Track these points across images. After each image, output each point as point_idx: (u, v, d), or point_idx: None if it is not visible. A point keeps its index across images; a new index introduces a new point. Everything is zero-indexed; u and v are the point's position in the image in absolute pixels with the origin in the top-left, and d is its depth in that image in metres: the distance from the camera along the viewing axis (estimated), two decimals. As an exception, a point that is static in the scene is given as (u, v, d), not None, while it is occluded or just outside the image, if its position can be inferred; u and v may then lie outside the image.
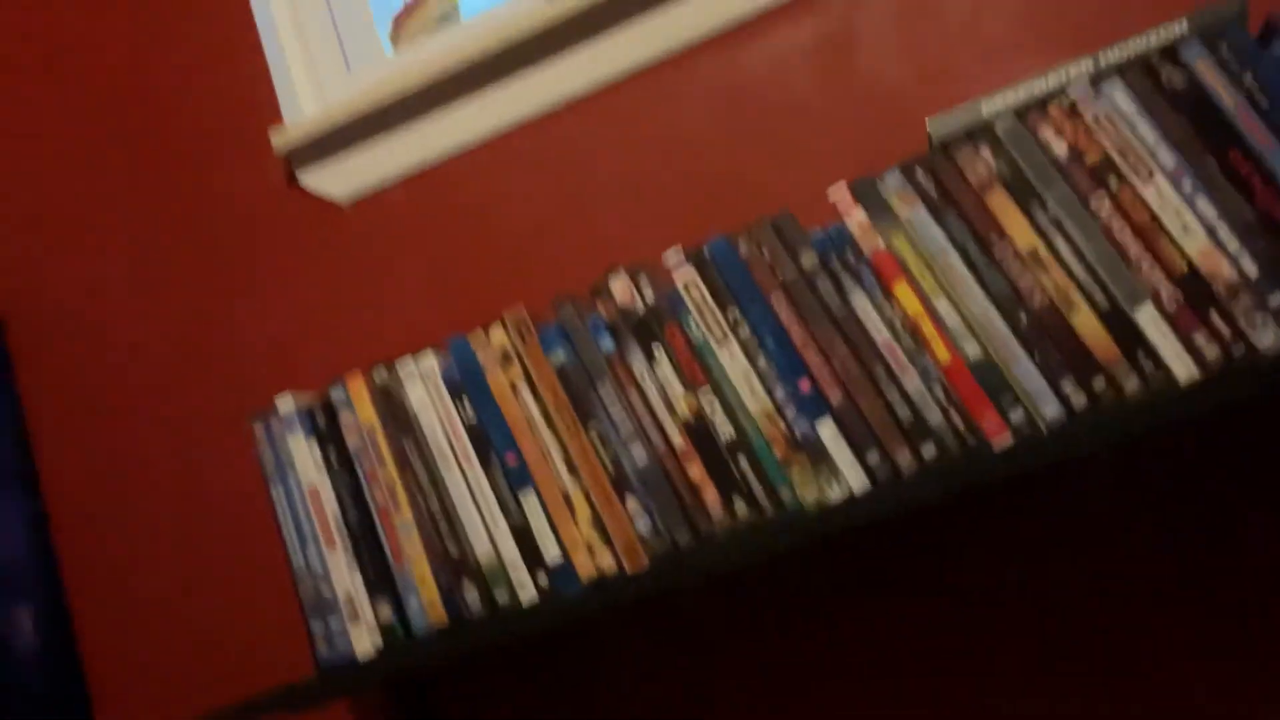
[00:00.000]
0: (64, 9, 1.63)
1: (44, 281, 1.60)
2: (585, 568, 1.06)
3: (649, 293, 1.08)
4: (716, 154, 1.31)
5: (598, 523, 1.06)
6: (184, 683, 1.42)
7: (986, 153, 1.00)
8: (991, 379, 0.96)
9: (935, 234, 0.99)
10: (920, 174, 1.01)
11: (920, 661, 1.19)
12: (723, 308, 1.05)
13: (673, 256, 1.07)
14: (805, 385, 1.01)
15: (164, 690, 1.43)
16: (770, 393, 1.02)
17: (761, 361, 1.02)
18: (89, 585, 1.49)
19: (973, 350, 0.97)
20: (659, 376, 1.06)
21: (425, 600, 1.10)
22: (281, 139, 1.45)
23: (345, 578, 1.14)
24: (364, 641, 1.12)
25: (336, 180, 1.47)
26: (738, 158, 1.30)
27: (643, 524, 1.04)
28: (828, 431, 1.00)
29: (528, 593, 1.08)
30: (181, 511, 1.46)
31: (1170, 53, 0.98)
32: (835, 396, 1.00)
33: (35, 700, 1.44)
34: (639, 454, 1.05)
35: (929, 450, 0.97)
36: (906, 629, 1.20)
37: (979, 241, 0.98)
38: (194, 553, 1.45)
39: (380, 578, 1.12)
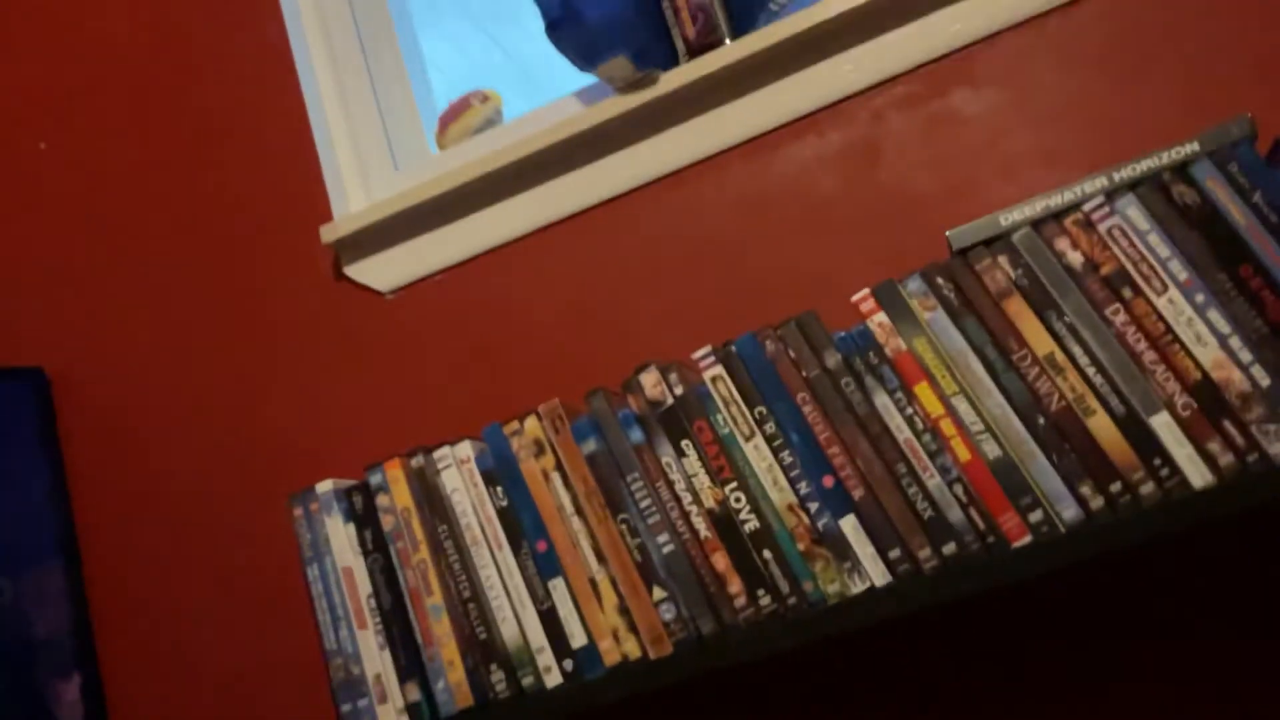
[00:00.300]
0: (139, 106, 1.73)
1: (97, 359, 1.66)
2: (610, 654, 1.08)
3: (678, 388, 1.12)
4: (744, 256, 1.36)
5: (624, 610, 1.09)
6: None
7: (1005, 261, 1.04)
8: (1011, 479, 0.99)
9: (955, 337, 1.03)
10: (941, 280, 1.05)
11: (940, 761, 1.20)
12: (749, 404, 1.08)
13: (702, 353, 1.11)
14: (829, 481, 1.04)
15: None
16: (794, 487, 1.05)
17: (786, 456, 1.06)
18: (124, 659, 1.52)
19: (992, 450, 1.00)
20: (686, 469, 1.09)
21: (452, 682, 1.13)
22: (330, 233, 1.52)
23: (375, 658, 1.16)
24: (391, 722, 1.14)
25: (380, 273, 1.54)
26: (764, 260, 1.35)
27: (668, 612, 1.07)
28: (850, 526, 1.02)
29: (553, 677, 1.10)
30: (217, 589, 1.50)
31: (1182, 171, 1.02)
32: (858, 493, 1.03)
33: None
34: (666, 544, 1.08)
35: (949, 547, 0.99)
36: (927, 727, 1.21)
37: (997, 346, 1.02)
38: (228, 629, 1.48)
39: (410, 659, 1.15)
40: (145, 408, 1.61)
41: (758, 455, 1.07)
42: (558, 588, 1.12)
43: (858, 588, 1.01)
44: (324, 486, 1.22)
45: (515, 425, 1.17)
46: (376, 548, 1.19)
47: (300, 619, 1.43)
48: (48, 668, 1.50)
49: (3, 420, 1.61)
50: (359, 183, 1.62)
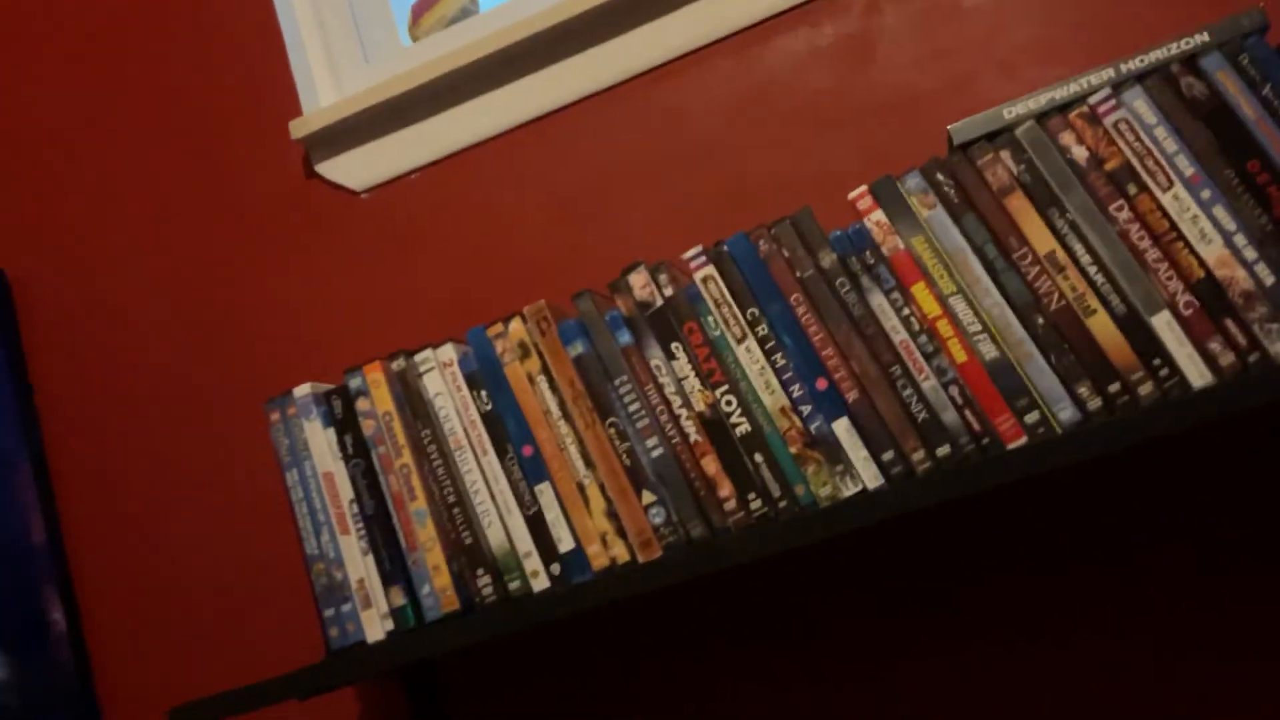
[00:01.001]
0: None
1: (60, 260, 1.60)
2: (598, 558, 1.07)
3: (668, 289, 1.08)
4: (735, 153, 1.32)
5: (612, 514, 1.07)
6: (193, 667, 1.43)
7: (1007, 157, 1.01)
8: (1007, 380, 0.97)
9: (954, 235, 1.00)
10: (941, 176, 1.02)
11: (924, 664, 1.20)
12: (741, 305, 1.06)
13: (692, 253, 1.08)
14: (822, 383, 1.02)
15: (172, 674, 1.44)
16: (787, 390, 1.03)
17: (779, 359, 1.03)
18: (97, 564, 1.50)
19: (989, 351, 0.98)
20: (676, 371, 1.07)
21: (438, 587, 1.11)
22: (300, 128, 1.46)
23: (358, 563, 1.14)
24: (375, 627, 1.13)
25: (353, 170, 1.48)
26: (756, 157, 1.31)
27: (657, 516, 1.05)
28: (843, 429, 1.01)
29: (540, 581, 1.09)
30: (193, 495, 1.47)
31: (1191, 63, 0.99)
32: (852, 395, 1.01)
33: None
34: (655, 447, 1.06)
35: (944, 449, 0.98)
36: (914, 631, 1.21)
37: (997, 244, 0.99)
38: (205, 537, 1.45)
39: (394, 564, 1.13)
40: (111, 310, 1.56)
41: (749, 357, 1.04)
42: (544, 492, 1.10)
43: (850, 490, 1.00)
44: (302, 390, 1.19)
45: (499, 328, 1.14)
46: (357, 452, 1.16)
47: (281, 523, 1.40)
48: (21, 572, 1.47)
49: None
50: (329, 77, 1.55)
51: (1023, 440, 0.96)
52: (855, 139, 1.28)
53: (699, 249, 1.08)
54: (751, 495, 1.02)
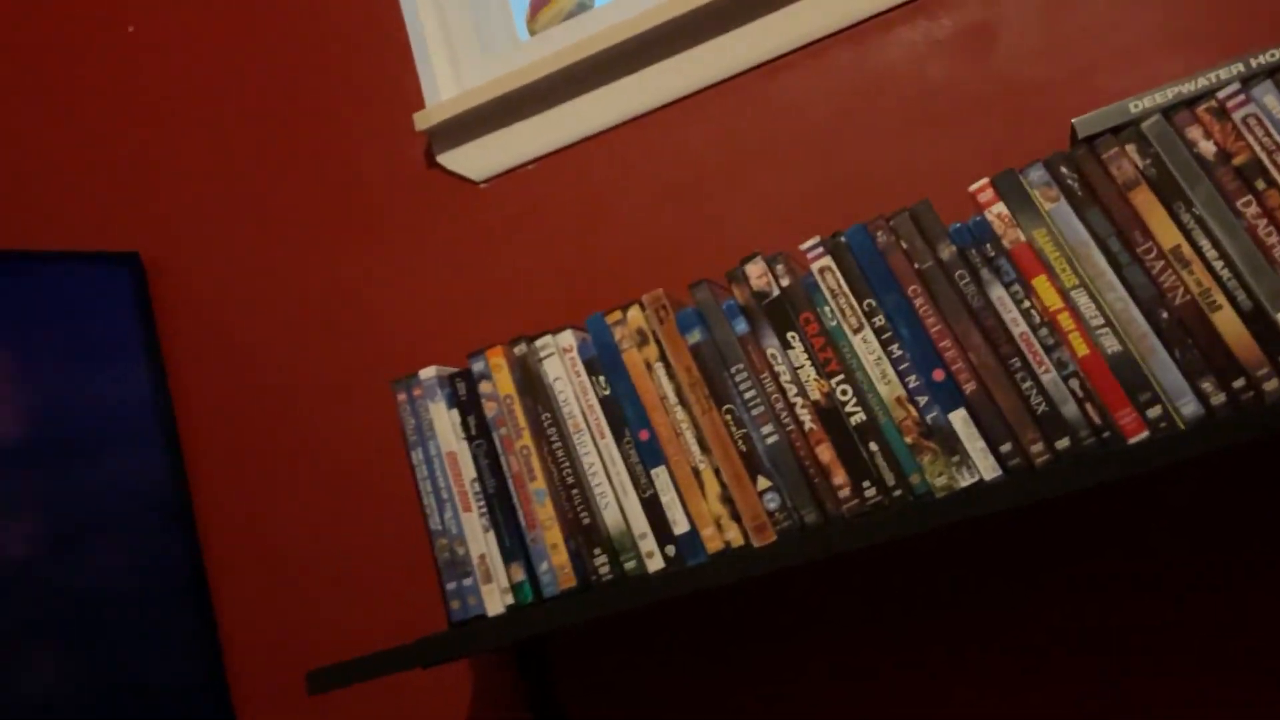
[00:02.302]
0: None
1: (192, 245, 1.68)
2: (713, 541, 1.10)
3: (784, 279, 1.10)
4: (852, 145, 1.33)
5: (726, 499, 1.10)
6: (319, 636, 1.49)
7: (1132, 151, 1.00)
8: (1130, 374, 0.97)
9: (1077, 229, 1.00)
10: (1065, 169, 1.02)
11: (1038, 655, 1.20)
12: (858, 296, 1.07)
13: (809, 244, 1.09)
14: (939, 375, 1.03)
15: (300, 642, 1.50)
16: (903, 380, 1.04)
17: (895, 349, 1.05)
18: (228, 541, 1.58)
19: (1111, 345, 0.98)
20: (792, 360, 1.09)
21: (556, 564, 1.15)
22: (423, 120, 1.51)
23: (480, 539, 1.19)
24: (495, 601, 1.17)
25: (473, 161, 1.53)
26: (873, 150, 1.32)
27: (772, 501, 1.07)
28: (960, 420, 1.02)
29: (655, 562, 1.12)
30: (322, 472, 1.53)
31: (1326, 56, 0.97)
32: (969, 387, 1.01)
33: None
34: (770, 434, 1.08)
35: (1063, 442, 0.98)
36: (1027, 623, 1.21)
37: (1122, 238, 0.99)
38: (333, 511, 1.52)
39: (513, 541, 1.17)
40: (241, 294, 1.64)
41: (866, 348, 1.06)
42: (660, 475, 1.13)
43: (966, 481, 1.01)
44: (427, 373, 1.24)
45: (618, 315, 1.17)
46: (480, 433, 1.21)
47: (406, 500, 1.46)
48: (156, 546, 1.56)
49: (101, 303, 1.65)
50: (450, 70, 1.60)
51: (1144, 434, 0.96)
52: (972, 131, 1.28)
53: (816, 240, 1.09)
54: (866, 483, 1.04)
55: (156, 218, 1.71)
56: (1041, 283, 1.00)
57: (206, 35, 1.72)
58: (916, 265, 1.05)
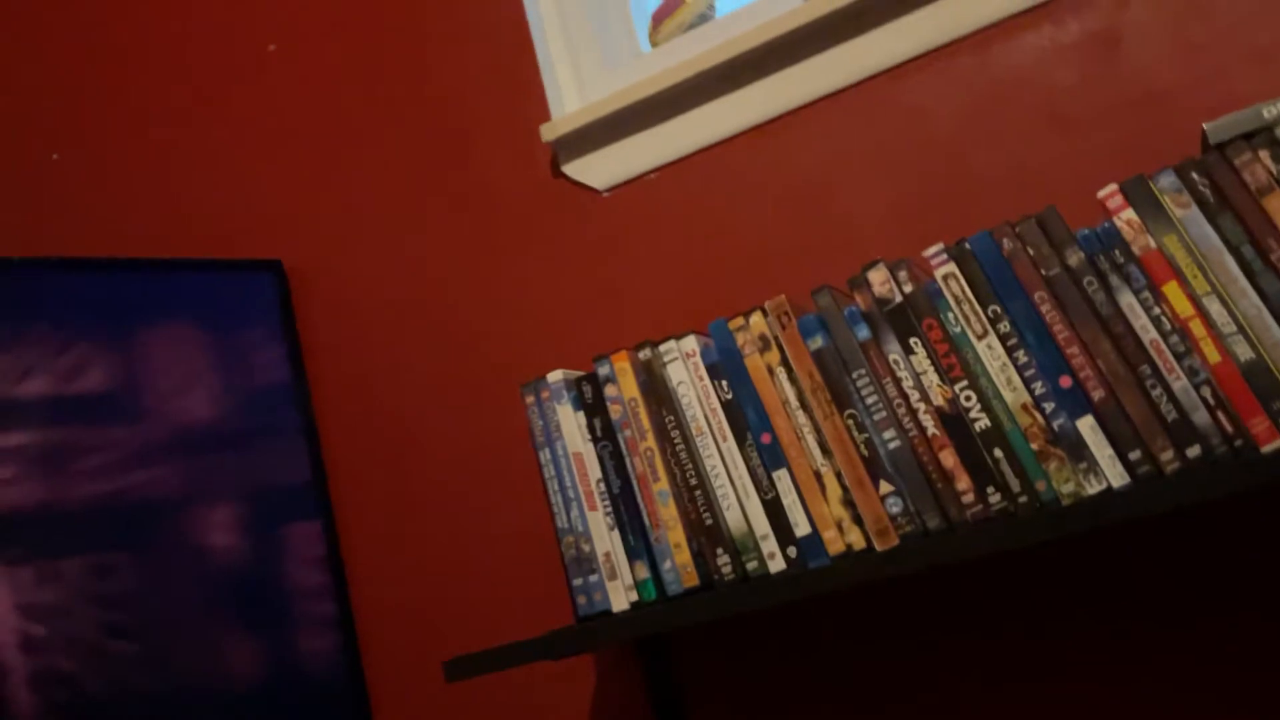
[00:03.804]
0: (364, 9, 1.80)
1: (330, 253, 1.77)
2: (834, 543, 1.11)
3: (907, 286, 1.12)
4: (978, 151, 1.33)
5: (848, 502, 1.11)
6: (446, 627, 1.56)
7: (1266, 157, 0.99)
8: (1264, 382, 0.95)
9: (1209, 235, 0.99)
10: (1196, 175, 1.01)
11: (1165, 669, 1.19)
12: (982, 302, 1.08)
13: (933, 251, 1.10)
14: (1066, 381, 1.03)
15: (431, 634, 1.57)
16: (1029, 387, 1.04)
17: (1021, 356, 1.05)
18: (365, 536, 1.65)
19: (1244, 353, 0.97)
20: (914, 366, 1.10)
21: (679, 563, 1.18)
22: (549, 132, 1.56)
23: (605, 538, 1.23)
24: (620, 598, 1.21)
25: (597, 170, 1.57)
26: (1000, 155, 1.32)
27: (894, 506, 1.09)
28: (1087, 427, 1.01)
29: (777, 563, 1.14)
30: (453, 471, 1.60)
31: None
32: (1098, 394, 1.01)
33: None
34: (892, 440, 1.10)
35: (1194, 450, 0.97)
36: (1154, 635, 1.20)
37: (1255, 245, 0.98)
38: (464, 509, 1.58)
39: (637, 540, 1.21)
40: (376, 300, 1.71)
41: (990, 354, 1.06)
42: (781, 478, 1.15)
43: (1094, 488, 1.01)
44: (554, 376, 1.29)
45: (740, 321, 1.20)
46: (605, 435, 1.25)
47: (534, 497, 1.51)
48: (296, 541, 1.64)
49: (246, 309, 1.74)
50: (574, 82, 1.65)
51: (1278, 443, 0.95)
52: (1100, 137, 1.27)
53: (940, 246, 1.10)
54: (990, 489, 1.05)
55: (296, 226, 1.80)
56: (1172, 289, 1.00)
57: (343, 53, 1.81)
58: (1043, 272, 1.05)
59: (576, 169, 1.58)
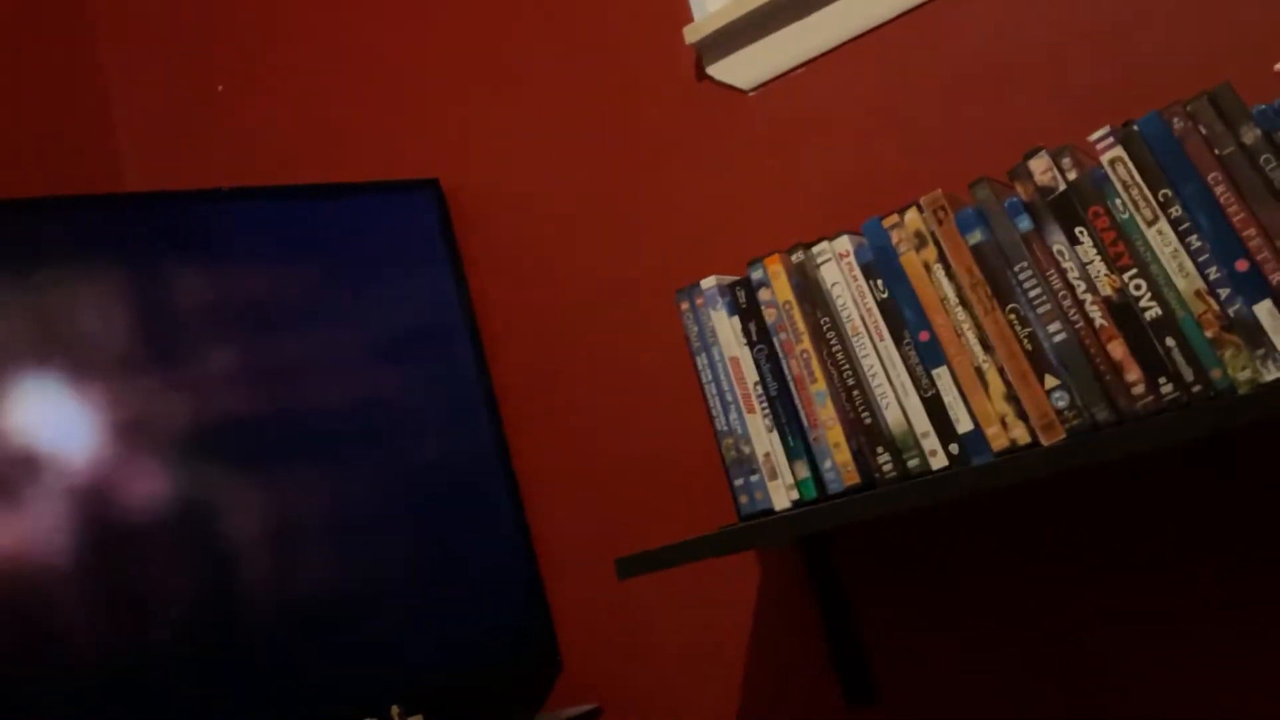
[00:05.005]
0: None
1: (484, 169, 1.81)
2: (998, 439, 1.11)
3: (1071, 173, 1.08)
4: (1145, 28, 1.26)
5: (1012, 398, 1.10)
6: (614, 529, 1.62)
7: None
8: None
9: None
10: (1393, 37, 0.93)
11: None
12: (1152, 186, 1.03)
13: (1099, 135, 1.06)
14: (1243, 265, 0.98)
15: (599, 532, 1.64)
16: (1202, 272, 1.00)
17: (1194, 241, 1.01)
18: (532, 440, 1.72)
19: None
20: (1080, 256, 1.07)
21: (839, 462, 1.20)
22: (693, 33, 1.54)
23: (764, 439, 1.25)
24: (781, 496, 1.24)
25: (741, 70, 1.55)
26: (1169, 32, 1.24)
27: (1060, 400, 1.07)
28: (1265, 312, 0.97)
29: (938, 460, 1.14)
30: (615, 377, 1.64)
31: None
32: (1276, 277, 0.97)
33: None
34: (1057, 332, 1.07)
35: (1387, 333, 0.92)
36: (1337, 521, 1.15)
37: None
38: (625, 413, 1.63)
39: (796, 440, 1.22)
40: (533, 212, 1.75)
41: (1161, 240, 1.02)
42: (941, 376, 1.14)
43: (1272, 375, 0.97)
44: (708, 282, 1.30)
45: (895, 219, 1.18)
46: (760, 339, 1.26)
47: (693, 400, 1.54)
48: (466, 444, 1.73)
49: (407, 228, 1.81)
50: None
51: None
52: (1275, 4, 1.18)
53: (1106, 130, 1.06)
54: (1162, 380, 1.02)
55: (451, 145, 1.85)
56: (1364, 163, 0.93)
57: (486, -33, 1.82)
58: (1217, 151, 1.00)
59: (721, 69, 1.57)
